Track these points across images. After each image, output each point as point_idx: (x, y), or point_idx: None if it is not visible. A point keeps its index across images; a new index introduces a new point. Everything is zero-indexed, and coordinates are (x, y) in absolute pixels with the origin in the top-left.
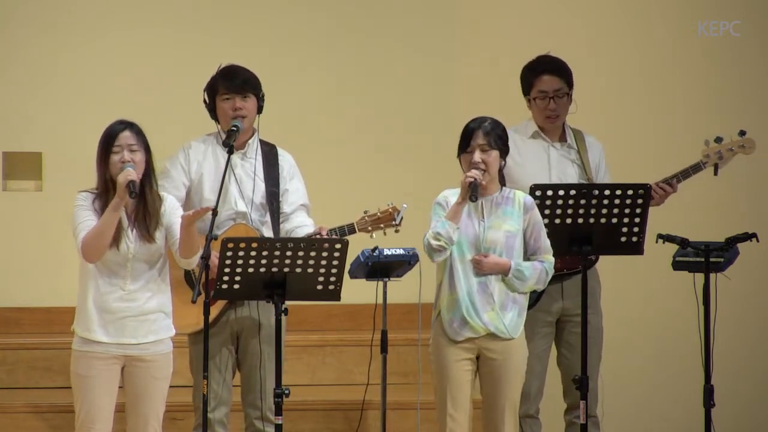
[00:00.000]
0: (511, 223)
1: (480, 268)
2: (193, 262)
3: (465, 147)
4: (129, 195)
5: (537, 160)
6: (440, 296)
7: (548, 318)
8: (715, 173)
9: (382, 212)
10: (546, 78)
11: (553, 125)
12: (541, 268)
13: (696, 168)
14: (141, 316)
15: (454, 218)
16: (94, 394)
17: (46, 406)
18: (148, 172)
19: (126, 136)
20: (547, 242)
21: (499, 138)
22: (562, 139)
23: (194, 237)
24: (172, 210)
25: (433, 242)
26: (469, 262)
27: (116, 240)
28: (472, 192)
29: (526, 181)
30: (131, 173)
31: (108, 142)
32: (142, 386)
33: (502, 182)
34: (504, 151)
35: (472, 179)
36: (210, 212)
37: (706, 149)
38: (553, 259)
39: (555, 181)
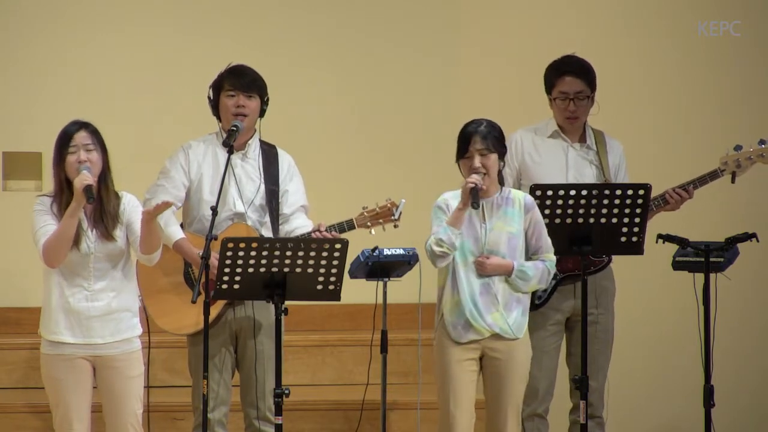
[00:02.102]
0: (513, 224)
1: (483, 270)
2: (154, 259)
3: (463, 152)
4: (87, 200)
5: (555, 160)
6: (443, 299)
7: (558, 316)
8: (733, 181)
9: (380, 208)
10: (568, 79)
11: (572, 126)
12: (543, 268)
13: (713, 175)
14: (107, 316)
15: (456, 223)
16: (69, 396)
17: (46, 406)
18: (105, 171)
19: (81, 136)
20: (549, 241)
21: (496, 140)
22: (582, 139)
23: (155, 233)
24: (131, 208)
25: (436, 248)
26: (471, 264)
27: (77, 241)
28: (474, 199)
29: (543, 181)
30: (87, 177)
31: (63, 143)
32: (115, 387)
33: (501, 182)
34: (502, 153)
35: (473, 185)
36: (202, 207)
37: (724, 157)
38: (554, 258)
39: (572, 181)
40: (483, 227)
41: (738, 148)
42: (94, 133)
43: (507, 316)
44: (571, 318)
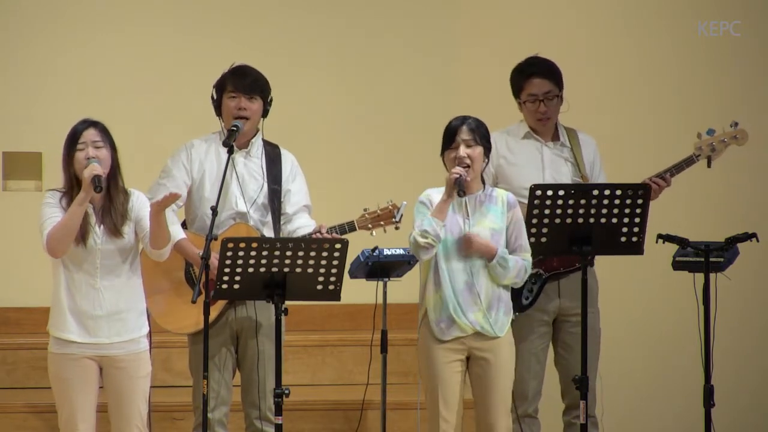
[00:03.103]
0: (496, 221)
1: (469, 246)
2: (164, 254)
3: (449, 144)
4: (94, 189)
5: (530, 161)
6: (426, 295)
7: (545, 317)
8: (709, 165)
9: (381, 210)
10: (536, 81)
11: (544, 127)
12: (522, 264)
13: (689, 161)
14: (113, 315)
15: (440, 215)
16: (75, 396)
17: (46, 406)
18: (114, 169)
19: (90, 133)
20: (527, 241)
21: (482, 136)
22: (555, 138)
23: (164, 226)
24: (140, 204)
25: (420, 240)
26: (454, 260)
27: (84, 236)
28: (459, 188)
29: (520, 182)
30: (96, 168)
31: (72, 140)
32: (122, 387)
33: (484, 182)
34: (487, 149)
35: (458, 175)
36: (203, 206)
37: (698, 142)
38: (530, 258)
39: (549, 180)
40: (467, 222)
41: (711, 132)
42: (104, 131)
43: (489, 315)
44: (558, 319)
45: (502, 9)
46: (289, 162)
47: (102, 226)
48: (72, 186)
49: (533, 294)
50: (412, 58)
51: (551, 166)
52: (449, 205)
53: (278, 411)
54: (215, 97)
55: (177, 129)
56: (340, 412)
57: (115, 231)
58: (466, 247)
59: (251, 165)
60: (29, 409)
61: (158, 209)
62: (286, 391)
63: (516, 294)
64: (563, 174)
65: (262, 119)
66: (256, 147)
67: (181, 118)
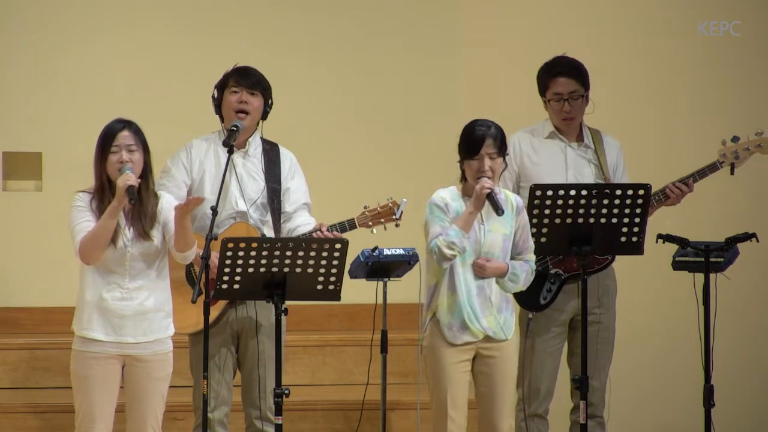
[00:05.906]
0: (507, 225)
1: (482, 273)
2: (189, 256)
3: (473, 153)
4: (129, 201)
5: (553, 160)
6: (437, 298)
7: (562, 317)
8: (732, 173)
9: (381, 207)
10: (561, 80)
11: (569, 126)
12: (528, 269)
13: (712, 168)
14: (139, 315)
15: (467, 227)
16: (94, 394)
17: (46, 406)
18: (146, 172)
19: (124, 136)
20: (532, 242)
21: (503, 143)
22: (579, 138)
23: (188, 229)
24: (169, 207)
25: (447, 252)
26: (469, 265)
27: (114, 239)
28: (497, 206)
29: (543, 181)
30: (131, 177)
31: (106, 141)
32: (140, 386)
33: None
34: (505, 156)
35: (489, 190)
36: (203, 205)
37: (722, 149)
38: (534, 257)
39: (571, 180)
40: (481, 228)
41: (735, 139)
42: (137, 133)
43: (499, 317)
44: (575, 318)
45: (502, 9)
46: (288, 160)
47: (132, 229)
48: (103, 187)
49: (552, 294)
50: (412, 57)
51: (574, 167)
52: (475, 217)
53: (278, 411)
54: (216, 96)
55: (177, 129)
56: (340, 412)
57: (144, 234)
58: (480, 274)
59: (250, 164)
60: (29, 409)
61: (182, 213)
62: (286, 391)
63: (534, 294)
64: (586, 175)
65: (261, 121)
66: (254, 146)
67: (182, 119)
